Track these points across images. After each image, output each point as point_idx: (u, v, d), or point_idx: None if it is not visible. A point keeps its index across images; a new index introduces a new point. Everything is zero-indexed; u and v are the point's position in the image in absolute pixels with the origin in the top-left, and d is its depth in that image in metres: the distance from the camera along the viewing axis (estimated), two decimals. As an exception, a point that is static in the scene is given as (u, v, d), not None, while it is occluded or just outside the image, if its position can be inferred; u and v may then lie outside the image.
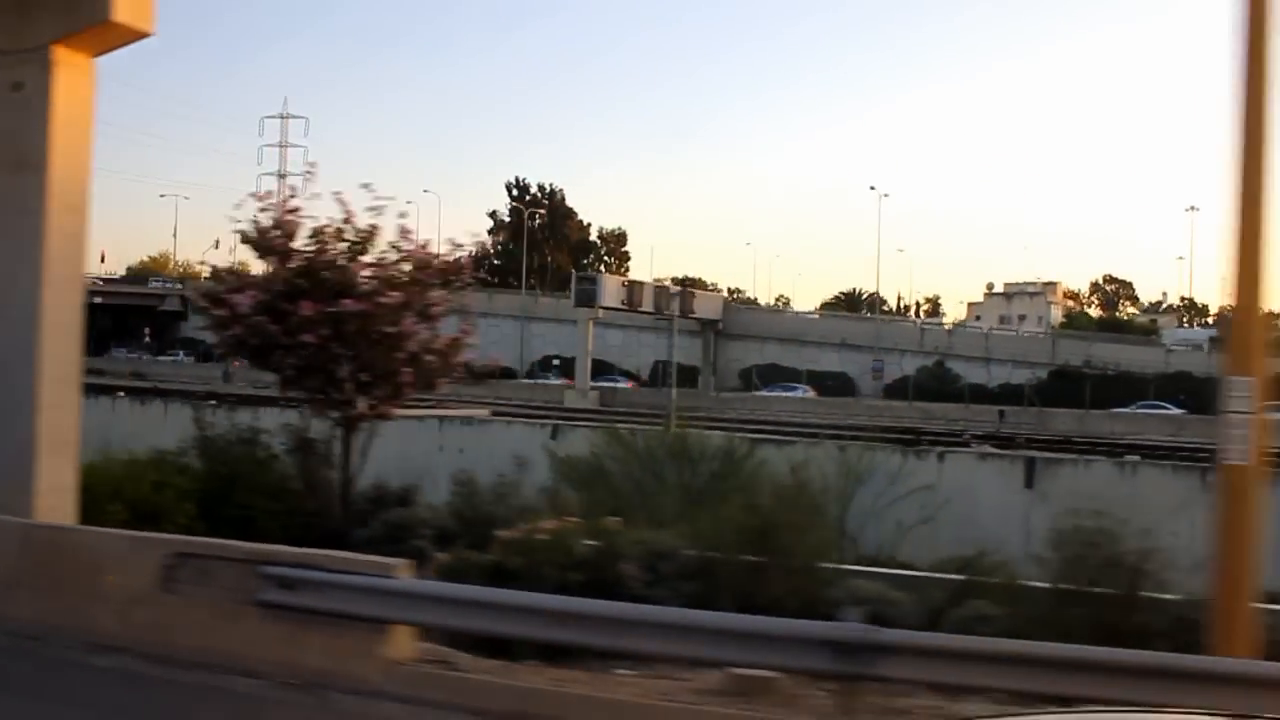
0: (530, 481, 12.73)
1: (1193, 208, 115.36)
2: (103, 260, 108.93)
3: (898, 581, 9.69)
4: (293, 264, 10.91)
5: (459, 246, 12.46)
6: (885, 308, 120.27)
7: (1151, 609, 8.55)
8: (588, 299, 56.98)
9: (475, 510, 11.22)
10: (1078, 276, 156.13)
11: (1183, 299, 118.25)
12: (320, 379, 11.17)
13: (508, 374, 73.59)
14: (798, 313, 76.04)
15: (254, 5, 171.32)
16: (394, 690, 6.60)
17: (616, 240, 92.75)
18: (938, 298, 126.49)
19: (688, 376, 67.53)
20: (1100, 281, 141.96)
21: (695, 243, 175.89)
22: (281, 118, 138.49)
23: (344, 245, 11.18)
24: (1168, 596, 8.77)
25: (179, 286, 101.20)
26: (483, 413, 28.70)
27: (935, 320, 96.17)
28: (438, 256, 12.03)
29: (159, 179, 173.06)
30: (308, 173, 13.76)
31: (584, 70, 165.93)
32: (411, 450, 26.96)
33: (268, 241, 10.94)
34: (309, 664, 6.88)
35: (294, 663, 6.92)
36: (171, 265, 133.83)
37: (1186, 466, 26.29)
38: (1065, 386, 57.78)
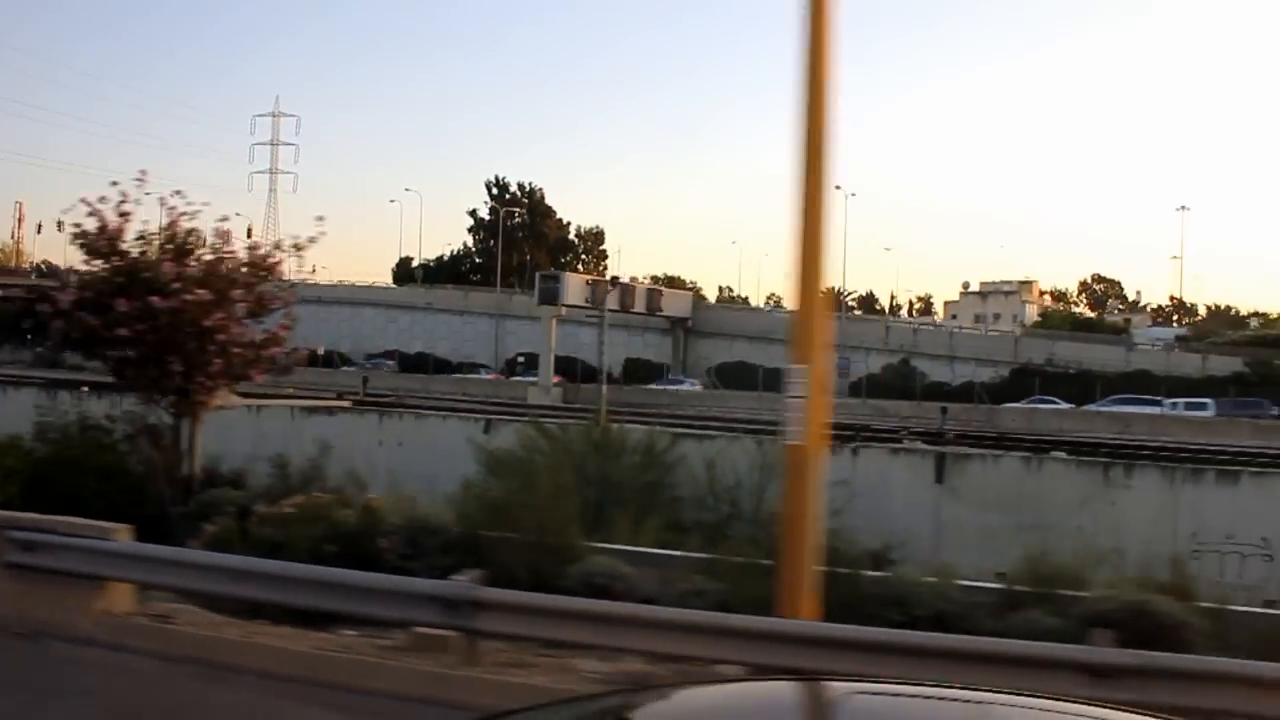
0: (338, 464, 13.59)
1: (1183, 207, 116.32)
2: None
3: (639, 558, 10.58)
4: (117, 263, 11.87)
5: (282, 248, 13.37)
6: (877, 307, 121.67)
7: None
8: (551, 297, 57.97)
9: (287, 489, 12.16)
10: (1071, 276, 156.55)
11: (1171, 298, 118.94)
12: (155, 370, 12.13)
13: (442, 367, 75.20)
14: (767, 310, 76.82)
15: (244, 4, 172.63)
16: (101, 638, 7.55)
17: (594, 239, 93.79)
18: (929, 296, 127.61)
19: (658, 373, 68.52)
20: (1089, 280, 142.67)
21: (689, 244, 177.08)
22: (273, 116, 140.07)
23: (168, 247, 12.14)
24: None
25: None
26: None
27: (915, 319, 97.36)
28: (266, 257, 12.97)
29: (156, 179, 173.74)
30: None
31: (578, 71, 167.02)
32: (353, 444, 28.01)
33: (93, 243, 11.91)
34: (38, 616, 7.82)
35: (27, 615, 7.86)
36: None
37: (1090, 462, 27.15)
38: (1026, 384, 58.64)
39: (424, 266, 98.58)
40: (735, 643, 6.75)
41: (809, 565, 7.29)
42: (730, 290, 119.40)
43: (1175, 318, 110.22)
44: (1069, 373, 59.16)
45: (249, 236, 75.24)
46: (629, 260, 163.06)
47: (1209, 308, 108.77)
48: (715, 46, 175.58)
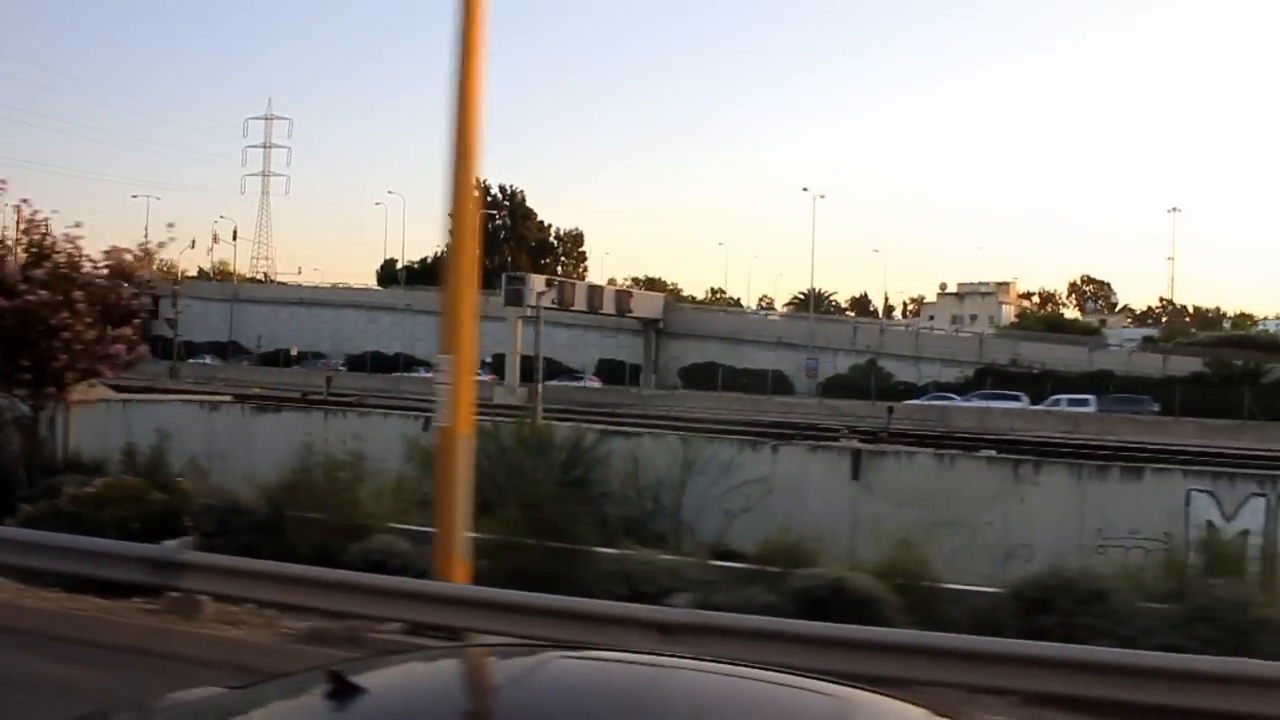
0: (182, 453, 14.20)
1: (1175, 209, 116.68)
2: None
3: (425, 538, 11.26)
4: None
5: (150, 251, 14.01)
6: (871, 308, 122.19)
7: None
8: (516, 299, 58.56)
9: (135, 474, 12.80)
10: (1062, 277, 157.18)
11: (1161, 299, 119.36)
12: (6, 365, 12.78)
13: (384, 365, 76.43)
14: (739, 312, 77.52)
15: (237, 9, 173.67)
16: None
17: (574, 241, 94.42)
18: (922, 297, 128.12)
19: (632, 374, 69.18)
20: (1079, 282, 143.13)
21: (678, 246, 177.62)
22: (266, 119, 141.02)
23: (28, 251, 12.80)
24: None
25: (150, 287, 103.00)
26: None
27: (905, 320, 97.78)
28: (128, 261, 13.61)
29: (154, 183, 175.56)
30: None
31: (564, 75, 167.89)
32: (296, 440, 28.63)
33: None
34: None
35: None
36: (157, 265, 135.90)
37: (1001, 459, 27.65)
38: (990, 384, 59.17)
39: (408, 268, 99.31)
40: (395, 602, 7.49)
41: (459, 535, 8.01)
42: (722, 292, 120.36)
43: (1164, 319, 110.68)
44: (1032, 373, 59.70)
45: (234, 239, 75.62)
46: (618, 263, 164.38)
47: (1198, 309, 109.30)
48: (703, 51, 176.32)
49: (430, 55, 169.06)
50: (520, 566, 9.43)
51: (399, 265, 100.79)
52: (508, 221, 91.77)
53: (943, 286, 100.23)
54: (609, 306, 64.87)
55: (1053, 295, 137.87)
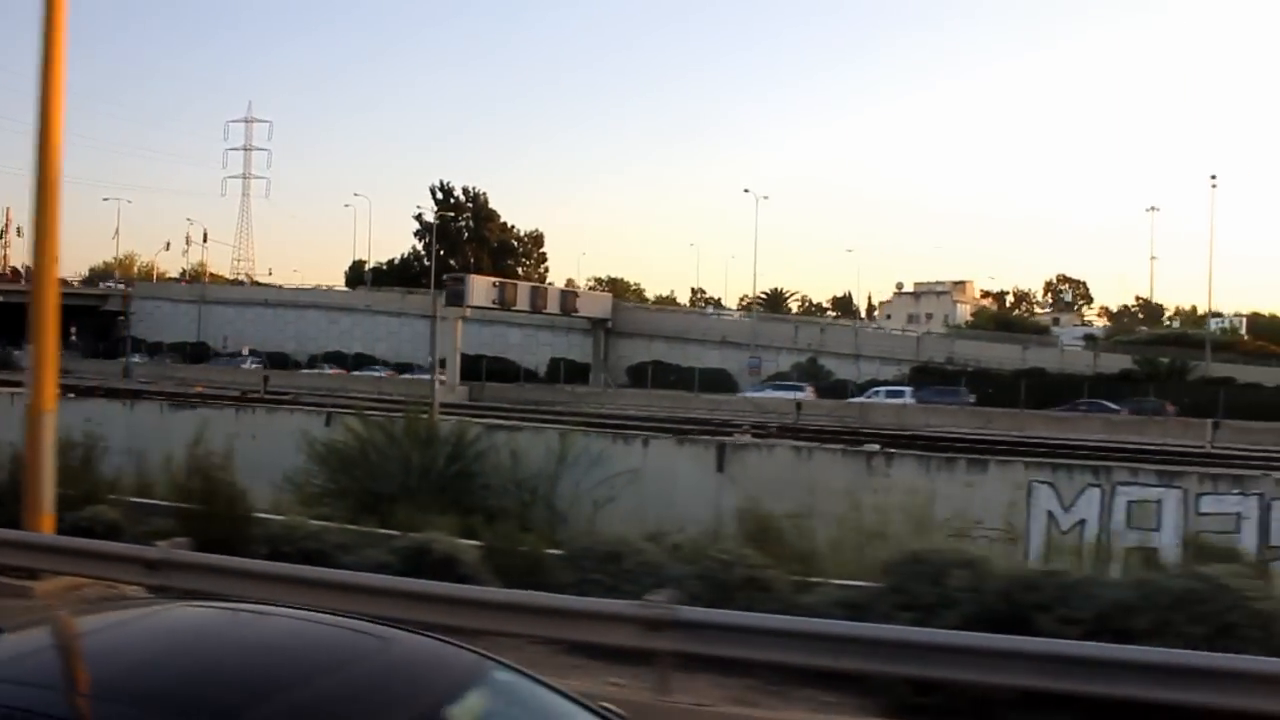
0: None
1: (1153, 208, 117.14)
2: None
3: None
4: None
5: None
6: (853, 307, 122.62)
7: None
8: (457, 299, 59.13)
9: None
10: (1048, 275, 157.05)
11: (1137, 299, 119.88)
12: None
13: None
14: (685, 311, 78.09)
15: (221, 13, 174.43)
16: None
17: (535, 242, 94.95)
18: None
19: (582, 372, 69.76)
20: (1054, 281, 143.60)
21: (652, 248, 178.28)
22: (246, 122, 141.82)
23: None
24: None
25: (121, 287, 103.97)
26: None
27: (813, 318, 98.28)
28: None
29: (135, 186, 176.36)
30: None
31: (539, 78, 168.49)
32: (211, 436, 29.26)
33: None
34: None
35: None
36: (138, 267, 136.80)
37: (855, 452, 28.24)
38: (925, 381, 59.72)
39: (376, 270, 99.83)
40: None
41: (46, 494, 8.73)
42: (703, 291, 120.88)
43: (1140, 318, 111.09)
44: (967, 370, 60.27)
45: (205, 241, 76.12)
46: (595, 263, 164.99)
47: (1157, 307, 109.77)
48: (676, 57, 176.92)
49: (406, 57, 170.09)
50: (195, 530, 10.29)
51: (367, 267, 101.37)
52: (471, 223, 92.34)
53: (899, 286, 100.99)
54: (553, 306, 65.45)
55: (1027, 294, 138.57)
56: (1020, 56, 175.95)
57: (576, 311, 67.44)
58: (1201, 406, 47.88)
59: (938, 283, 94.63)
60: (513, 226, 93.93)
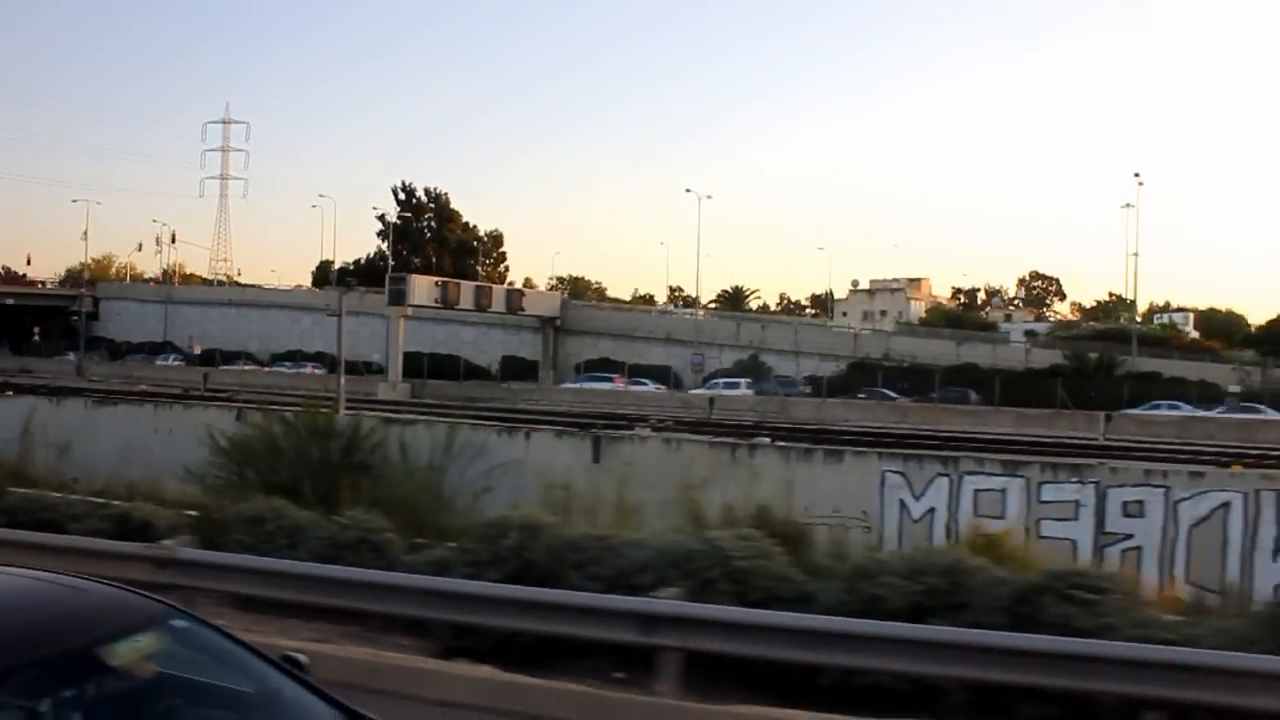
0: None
1: (1128, 205, 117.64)
2: (28, 263, 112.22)
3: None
4: None
5: None
6: (831, 305, 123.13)
7: None
8: (399, 299, 59.78)
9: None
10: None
11: (1110, 294, 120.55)
12: None
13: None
14: (631, 309, 78.72)
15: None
16: None
17: (494, 242, 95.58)
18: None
19: (532, 370, 70.40)
20: (1027, 278, 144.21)
21: (625, 247, 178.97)
22: (223, 123, 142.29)
23: None
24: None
25: (80, 290, 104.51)
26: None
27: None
28: None
29: (119, 189, 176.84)
30: None
31: (534, 82, 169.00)
32: (131, 434, 30.00)
33: None
34: None
35: None
36: (115, 268, 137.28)
37: (721, 442, 28.90)
38: (862, 377, 60.43)
39: (342, 270, 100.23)
40: None
41: None
42: (680, 289, 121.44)
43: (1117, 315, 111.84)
44: (903, 366, 60.95)
45: (173, 242, 76.71)
46: (566, 262, 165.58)
47: (1151, 304, 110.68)
48: (654, 60, 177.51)
49: (389, 59, 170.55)
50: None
51: (335, 267, 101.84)
52: (433, 223, 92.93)
53: (855, 283, 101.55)
54: (499, 305, 66.05)
55: (998, 291, 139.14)
56: (1008, 58, 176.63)
57: (523, 310, 68.04)
58: (1115, 400, 48.68)
59: (893, 280, 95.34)
60: (474, 226, 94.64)
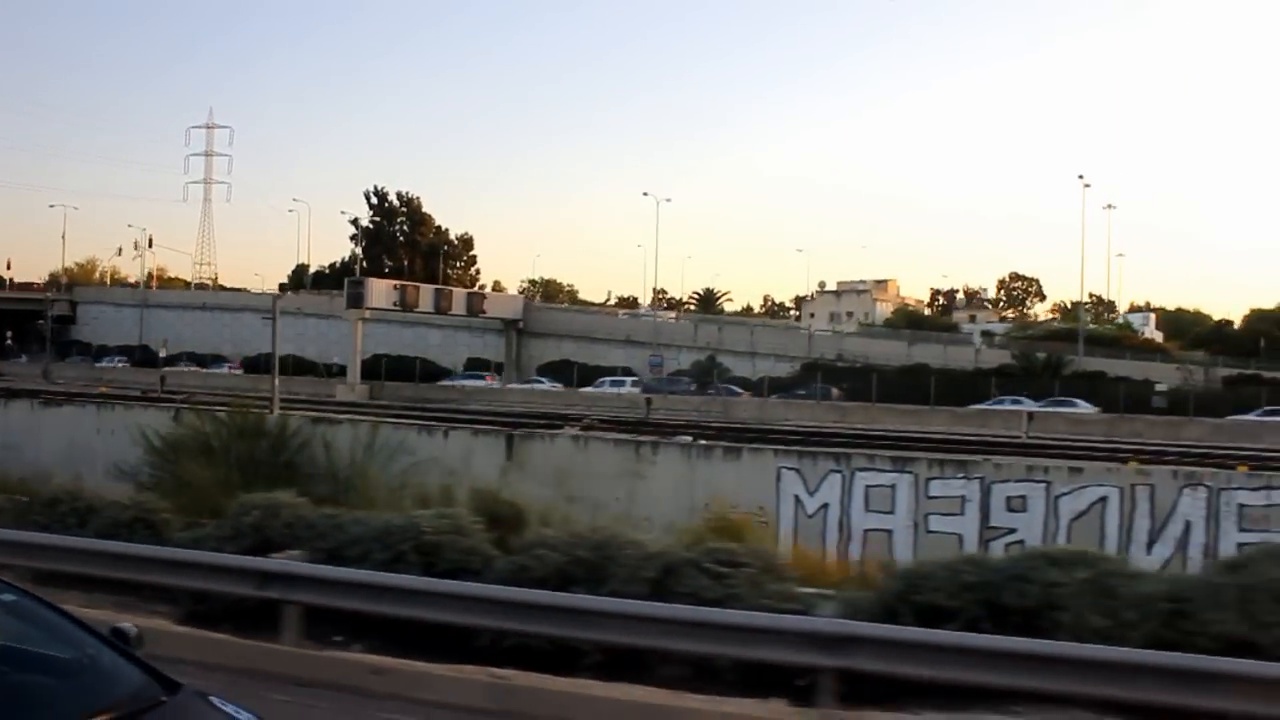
0: None
1: (1110, 206, 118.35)
2: (8, 267, 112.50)
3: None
4: None
5: None
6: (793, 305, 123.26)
7: None
8: (356, 301, 60.37)
9: None
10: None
11: (1091, 295, 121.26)
12: None
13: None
14: (592, 312, 79.42)
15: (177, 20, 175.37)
16: None
17: (465, 245, 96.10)
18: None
19: (495, 371, 70.96)
20: (1007, 279, 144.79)
21: (604, 251, 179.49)
22: (207, 128, 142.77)
23: None
24: None
25: (47, 294, 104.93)
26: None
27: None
28: None
29: (102, 192, 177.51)
30: None
31: (522, 84, 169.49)
32: (76, 434, 30.65)
33: None
34: None
35: None
36: (99, 273, 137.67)
37: (626, 441, 29.50)
38: (822, 377, 61.02)
39: (318, 273, 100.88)
40: None
41: None
42: (664, 292, 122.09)
43: (1093, 316, 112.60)
44: (854, 366, 61.55)
45: (150, 247, 77.32)
46: (545, 264, 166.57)
47: (1132, 303, 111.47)
48: (634, 73, 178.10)
49: (380, 59, 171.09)
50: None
51: (311, 270, 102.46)
52: (405, 227, 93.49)
53: (821, 284, 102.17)
54: (459, 308, 66.61)
55: (977, 292, 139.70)
56: (997, 59, 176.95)
57: (484, 313, 68.61)
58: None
59: (859, 281, 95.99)
60: (445, 229, 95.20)
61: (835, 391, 53.49)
